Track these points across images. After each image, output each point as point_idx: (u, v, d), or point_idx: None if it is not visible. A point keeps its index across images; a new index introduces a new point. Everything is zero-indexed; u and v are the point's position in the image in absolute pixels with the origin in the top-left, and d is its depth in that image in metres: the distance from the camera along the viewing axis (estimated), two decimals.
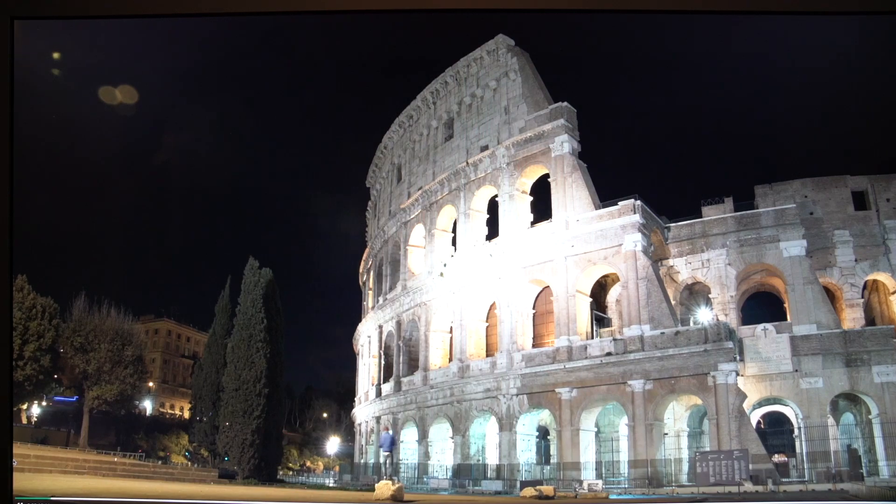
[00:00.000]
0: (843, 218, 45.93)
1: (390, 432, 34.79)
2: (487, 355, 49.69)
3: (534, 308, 48.25)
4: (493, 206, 52.25)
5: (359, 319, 71.30)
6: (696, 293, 48.02)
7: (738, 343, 41.64)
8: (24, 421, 62.37)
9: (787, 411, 46.07)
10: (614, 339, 42.48)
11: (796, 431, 42.81)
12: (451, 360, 51.98)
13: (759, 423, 49.02)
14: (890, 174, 46.04)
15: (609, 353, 41.75)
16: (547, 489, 28.54)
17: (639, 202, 43.28)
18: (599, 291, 50.12)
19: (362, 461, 61.51)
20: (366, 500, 21.88)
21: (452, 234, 55.69)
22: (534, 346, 46.78)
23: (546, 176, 48.63)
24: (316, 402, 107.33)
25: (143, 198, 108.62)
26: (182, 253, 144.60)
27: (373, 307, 64.74)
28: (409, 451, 54.23)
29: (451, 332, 53.06)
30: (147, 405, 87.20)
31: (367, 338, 65.76)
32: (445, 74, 57.34)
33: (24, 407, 61.48)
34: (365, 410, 63.05)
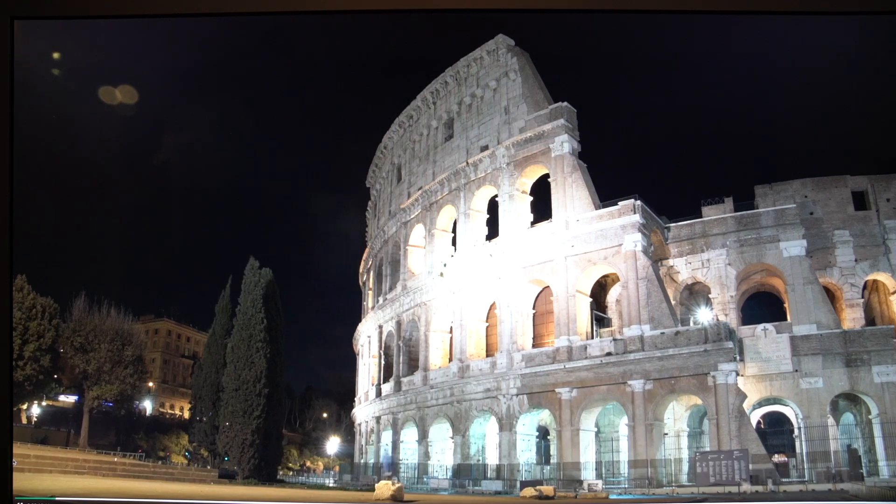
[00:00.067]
0: (843, 218, 45.93)
1: (390, 455, 34.74)
2: (487, 355, 49.69)
3: (534, 308, 48.25)
4: (493, 206, 52.25)
5: (359, 319, 71.31)
6: (696, 293, 48.02)
7: (738, 343, 41.63)
8: (24, 421, 62.34)
9: (787, 411, 46.06)
10: (614, 339, 42.48)
11: (796, 431, 42.81)
12: (451, 360, 51.98)
13: (759, 423, 49.01)
14: (890, 174, 46.04)
15: (609, 353, 41.75)
16: (547, 489, 28.59)
17: (639, 202, 43.28)
18: (599, 291, 50.12)
19: (362, 461, 61.50)
20: (366, 500, 21.90)
21: (452, 234, 55.70)
22: (534, 346, 46.78)
23: (546, 176, 48.64)
24: (316, 402, 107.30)
25: (143, 198, 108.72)
26: (182, 253, 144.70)
27: (373, 307, 64.74)
28: (409, 451, 54.20)
29: (451, 332, 53.06)
30: (147, 405, 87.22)
31: (367, 338, 65.76)
32: (445, 74, 57.35)
33: (24, 407, 61.46)
34: (365, 410, 63.05)
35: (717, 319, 42.63)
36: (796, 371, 41.09)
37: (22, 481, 18.32)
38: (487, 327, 51.13)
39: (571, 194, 45.91)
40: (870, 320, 46.59)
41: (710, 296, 46.08)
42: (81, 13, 7.06)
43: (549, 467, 46.44)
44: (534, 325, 47.85)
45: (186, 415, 77.56)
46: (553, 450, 46.59)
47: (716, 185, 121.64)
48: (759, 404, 44.06)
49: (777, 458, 47.52)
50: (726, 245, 45.81)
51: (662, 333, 40.19)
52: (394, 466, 32.87)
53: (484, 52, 53.96)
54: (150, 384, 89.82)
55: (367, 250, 73.08)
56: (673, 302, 44.78)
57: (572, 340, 43.63)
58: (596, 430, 46.48)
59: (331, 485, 55.07)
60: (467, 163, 53.14)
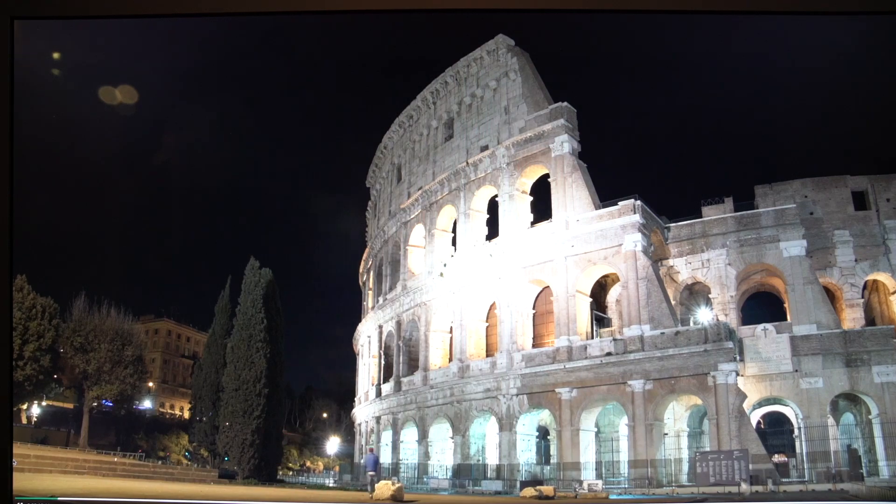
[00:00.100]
0: (843, 218, 45.93)
1: (374, 453, 34.92)
2: (487, 355, 49.69)
3: (534, 308, 48.25)
4: (493, 206, 52.24)
5: (359, 319, 71.31)
6: (696, 293, 48.02)
7: (738, 343, 41.64)
8: (24, 421, 62.34)
9: (787, 411, 46.07)
10: (614, 339, 42.48)
11: (796, 431, 42.80)
12: (451, 360, 51.98)
13: (759, 423, 49.01)
14: (890, 174, 46.04)
15: (609, 353, 41.75)
16: (547, 489, 28.59)
17: (639, 202, 43.28)
18: (599, 291, 50.12)
19: (362, 461, 61.50)
20: (366, 500, 21.90)
21: (452, 234, 55.69)
22: (534, 346, 46.78)
23: (546, 176, 48.63)
24: (316, 402, 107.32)
25: (143, 198, 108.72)
26: (182, 253, 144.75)
27: (373, 307, 64.75)
28: (409, 451, 54.23)
29: (451, 332, 53.06)
30: (147, 405, 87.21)
31: (367, 338, 65.77)
32: (445, 74, 57.34)
33: (24, 407, 61.46)
34: (365, 410, 63.06)
35: (717, 319, 42.63)
36: (796, 371, 41.09)
37: (22, 481, 18.31)
38: (487, 327, 51.12)
39: (571, 194, 45.91)
40: (870, 320, 46.59)
41: (710, 296, 46.08)
42: (81, 13, 7.07)
43: (549, 467, 46.45)
44: (534, 325, 47.85)
45: (186, 415, 77.56)
46: (553, 450, 46.59)
47: (716, 185, 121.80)
48: (759, 404, 44.06)
49: (777, 458, 47.48)
50: (726, 245, 45.81)
51: (662, 333, 40.20)
52: (377, 465, 32.65)
53: (484, 52, 53.96)
54: (150, 384, 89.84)
55: (367, 250, 73.08)
56: (673, 302, 44.78)
57: (572, 340, 43.63)
58: (596, 430, 46.48)
59: (331, 485, 55.10)
60: (467, 163, 53.15)
